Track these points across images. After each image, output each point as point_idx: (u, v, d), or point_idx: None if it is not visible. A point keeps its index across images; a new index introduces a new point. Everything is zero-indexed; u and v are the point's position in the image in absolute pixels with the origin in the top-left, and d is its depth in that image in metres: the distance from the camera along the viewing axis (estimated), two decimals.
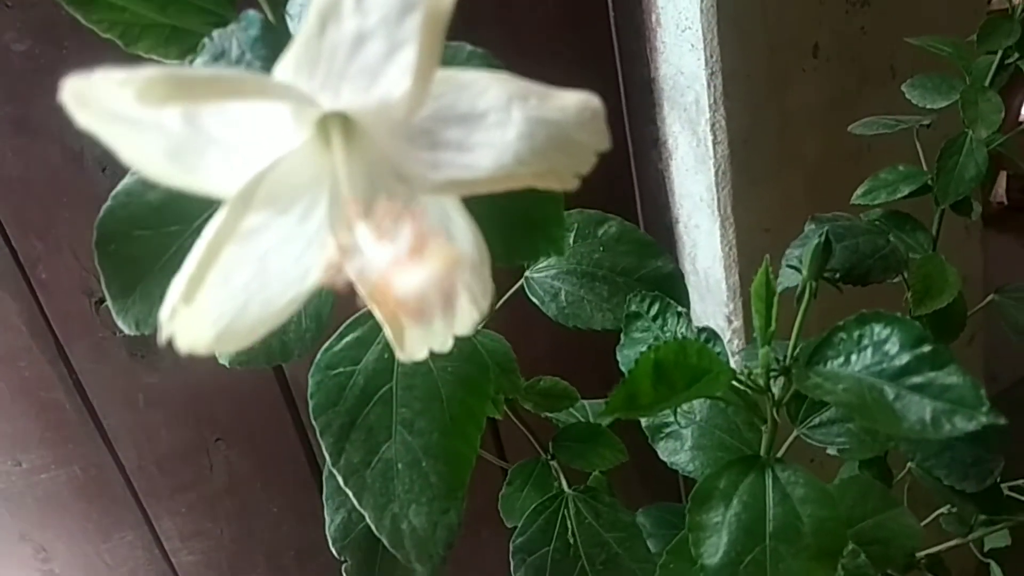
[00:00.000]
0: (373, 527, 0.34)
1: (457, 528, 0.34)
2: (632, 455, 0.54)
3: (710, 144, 0.80)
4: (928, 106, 0.63)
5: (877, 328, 0.31)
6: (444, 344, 0.23)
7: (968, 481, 0.56)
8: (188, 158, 0.19)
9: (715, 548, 0.34)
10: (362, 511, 0.34)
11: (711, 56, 0.76)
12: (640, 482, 0.88)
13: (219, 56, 0.28)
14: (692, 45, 0.77)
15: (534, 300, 0.45)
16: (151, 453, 0.83)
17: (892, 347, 0.31)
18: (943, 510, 0.66)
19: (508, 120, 0.20)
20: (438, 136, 0.21)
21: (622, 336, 0.40)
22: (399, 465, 0.34)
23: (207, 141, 0.19)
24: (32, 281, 0.73)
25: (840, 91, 0.86)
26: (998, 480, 0.57)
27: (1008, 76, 0.63)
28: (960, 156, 0.62)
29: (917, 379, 0.30)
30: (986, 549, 0.70)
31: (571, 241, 0.45)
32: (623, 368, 0.38)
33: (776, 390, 0.36)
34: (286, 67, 0.19)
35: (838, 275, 0.55)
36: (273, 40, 0.28)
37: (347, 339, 0.35)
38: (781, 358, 0.35)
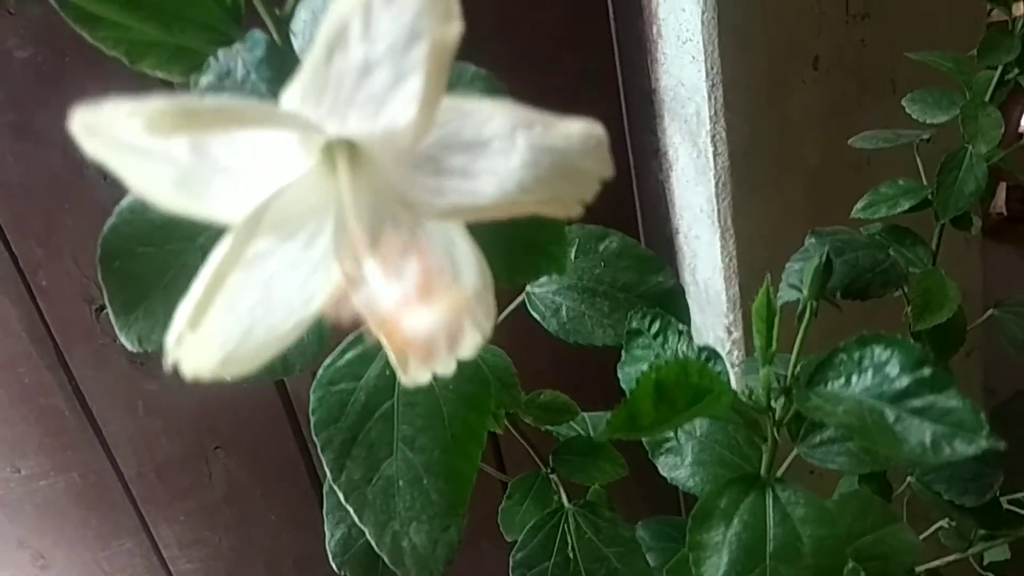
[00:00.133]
0: (374, 544, 0.34)
1: (457, 545, 0.34)
2: (632, 468, 0.54)
3: (710, 155, 0.80)
4: (928, 121, 0.63)
5: (878, 350, 0.31)
6: (447, 367, 0.23)
7: (968, 496, 0.56)
8: (196, 186, 0.19)
9: (715, 568, 0.34)
10: (363, 527, 0.34)
11: (712, 68, 0.76)
12: (640, 495, 0.88)
13: (224, 76, 0.28)
14: (693, 57, 0.77)
15: (535, 316, 0.45)
16: (150, 460, 0.83)
17: (892, 369, 0.31)
18: (942, 524, 0.67)
19: (512, 148, 0.20)
20: (443, 163, 0.21)
21: (623, 353, 0.40)
22: (400, 482, 0.34)
23: (214, 169, 0.19)
24: (32, 287, 0.73)
25: (840, 103, 0.86)
26: (997, 494, 0.57)
27: (1008, 91, 0.63)
28: (960, 171, 0.62)
29: (917, 402, 0.30)
30: (985, 563, 0.70)
31: (572, 257, 0.45)
32: (624, 386, 0.38)
33: (777, 409, 0.36)
34: (293, 94, 0.19)
35: (837, 293, 0.55)
36: (278, 61, 0.28)
37: (349, 355, 0.35)
38: (782, 377, 0.35)
